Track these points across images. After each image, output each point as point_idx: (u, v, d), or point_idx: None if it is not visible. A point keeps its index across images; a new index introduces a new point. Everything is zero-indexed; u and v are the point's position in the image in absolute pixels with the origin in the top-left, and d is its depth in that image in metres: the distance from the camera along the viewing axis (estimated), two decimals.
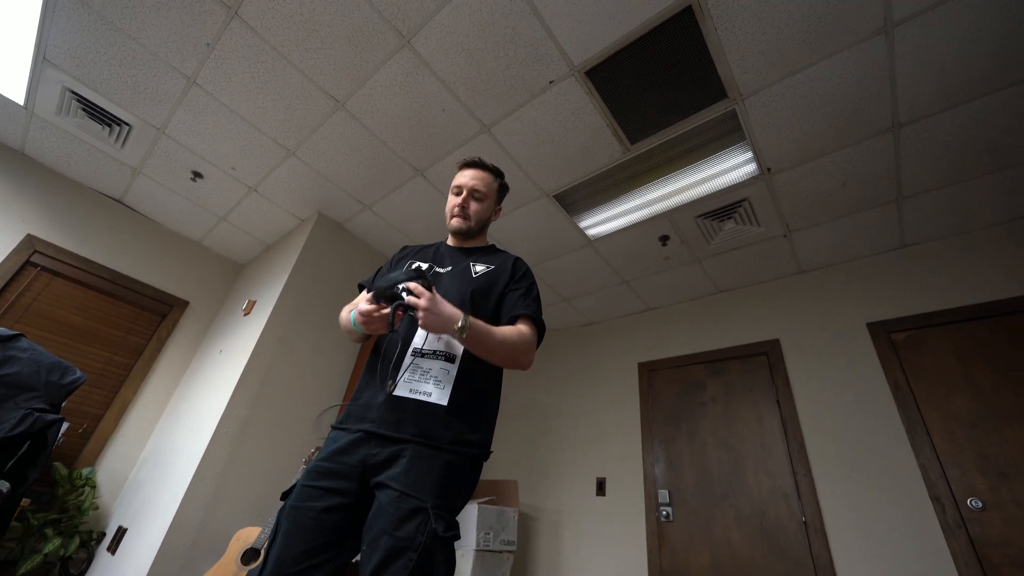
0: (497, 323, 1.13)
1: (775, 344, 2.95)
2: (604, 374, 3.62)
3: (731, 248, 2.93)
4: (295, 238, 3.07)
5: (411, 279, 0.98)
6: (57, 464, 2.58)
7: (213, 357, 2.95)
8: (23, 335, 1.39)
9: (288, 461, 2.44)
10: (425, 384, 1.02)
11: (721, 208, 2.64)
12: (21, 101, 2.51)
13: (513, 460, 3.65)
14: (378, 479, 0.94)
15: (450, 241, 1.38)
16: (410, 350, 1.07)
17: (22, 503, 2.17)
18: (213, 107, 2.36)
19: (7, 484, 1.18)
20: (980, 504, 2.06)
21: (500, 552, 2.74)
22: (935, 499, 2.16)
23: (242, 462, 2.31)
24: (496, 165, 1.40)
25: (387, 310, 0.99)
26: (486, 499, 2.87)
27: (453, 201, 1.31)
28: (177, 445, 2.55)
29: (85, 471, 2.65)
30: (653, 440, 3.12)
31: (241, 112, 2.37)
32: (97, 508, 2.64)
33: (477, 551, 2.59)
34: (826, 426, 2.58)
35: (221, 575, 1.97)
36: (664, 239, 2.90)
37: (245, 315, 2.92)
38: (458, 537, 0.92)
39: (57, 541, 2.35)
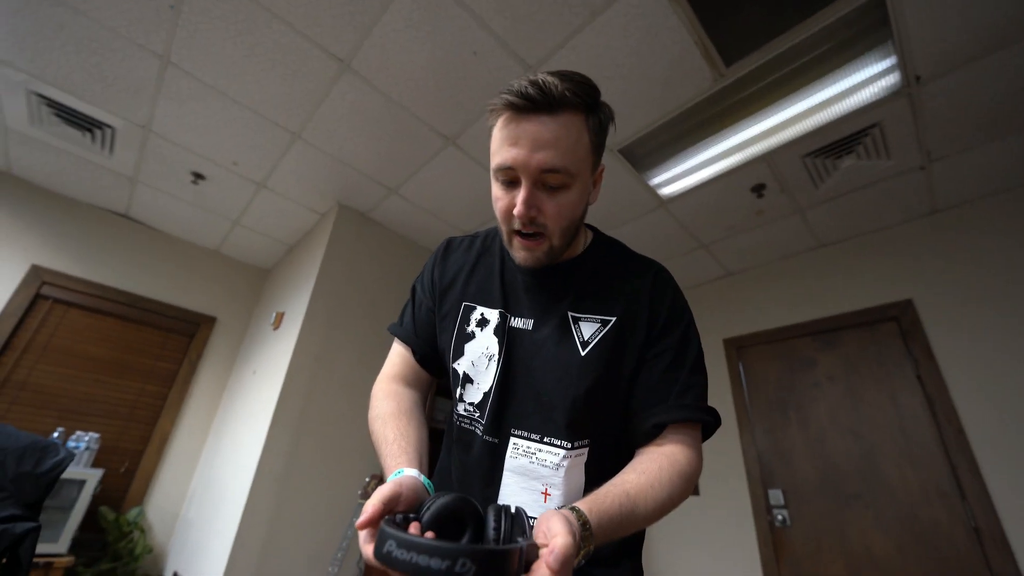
0: (627, 426, 0.68)
1: (907, 306, 2.36)
2: None
3: (846, 191, 2.32)
4: (317, 236, 2.69)
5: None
6: (103, 509, 2.40)
7: (248, 378, 2.67)
8: None
9: (343, 497, 2.14)
10: None
11: (840, 141, 2.03)
12: None
13: None
14: None
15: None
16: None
17: (69, 560, 1.98)
18: (197, 90, 1.94)
19: None
20: None
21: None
22: None
23: (292, 504, 2.02)
24: (582, 76, 0.64)
25: None
26: None
27: (503, 201, 0.64)
28: (222, 481, 2.30)
29: (133, 513, 2.47)
30: (753, 430, 2.64)
31: (230, 92, 1.94)
32: (151, 551, 2.47)
33: None
34: (993, 406, 2.02)
35: None
36: (759, 189, 2.32)
37: (275, 329, 2.60)
38: None
39: None
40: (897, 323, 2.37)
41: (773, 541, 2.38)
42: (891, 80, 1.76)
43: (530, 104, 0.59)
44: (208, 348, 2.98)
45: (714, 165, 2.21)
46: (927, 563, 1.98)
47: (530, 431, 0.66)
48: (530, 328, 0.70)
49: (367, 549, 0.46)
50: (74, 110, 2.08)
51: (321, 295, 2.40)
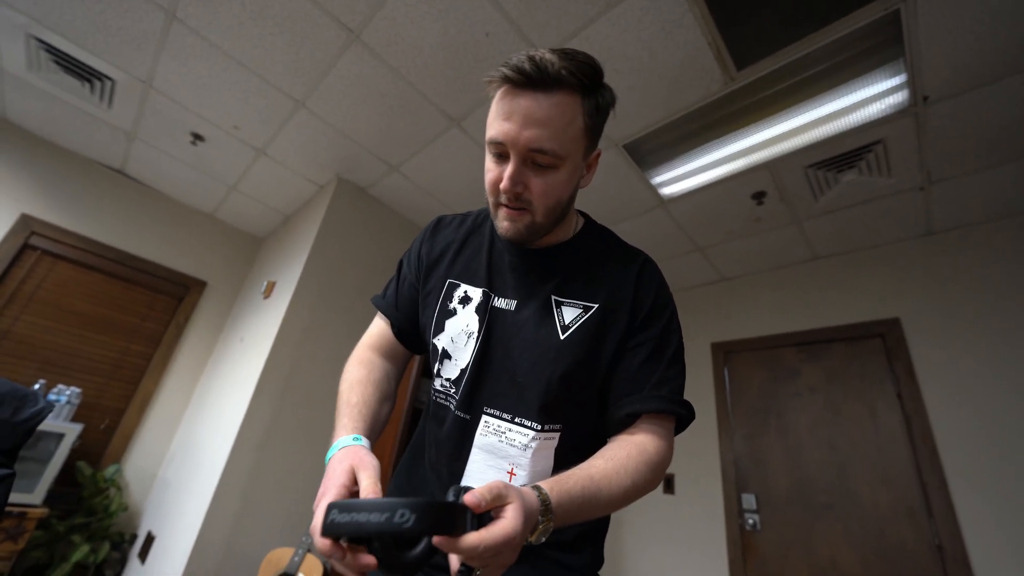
0: (602, 414, 0.68)
1: (894, 324, 2.39)
2: None
3: (844, 205, 2.33)
4: (314, 207, 2.67)
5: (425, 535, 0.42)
6: (81, 464, 2.39)
7: (235, 345, 2.66)
8: None
9: (319, 473, 2.14)
10: None
11: (843, 155, 2.04)
12: None
13: None
14: None
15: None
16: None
17: (43, 511, 1.98)
18: (202, 49, 1.91)
19: None
20: None
21: None
22: None
23: (268, 474, 2.03)
24: (585, 56, 0.62)
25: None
26: None
27: (494, 172, 0.64)
28: (202, 445, 2.30)
29: (110, 470, 2.46)
30: (733, 434, 2.68)
31: (236, 54, 1.91)
32: (127, 508, 2.47)
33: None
34: (967, 429, 2.07)
35: None
36: (759, 196, 2.32)
37: (265, 298, 2.58)
38: None
39: (85, 548, 2.18)
40: (883, 340, 2.40)
41: (742, 543, 2.43)
42: (899, 98, 1.76)
43: (525, 80, 0.58)
44: (196, 312, 2.96)
45: (717, 169, 2.20)
46: None
47: (502, 410, 0.67)
48: (512, 308, 0.71)
49: (317, 540, 0.45)
50: (74, 58, 2.04)
51: (314, 267, 2.38)
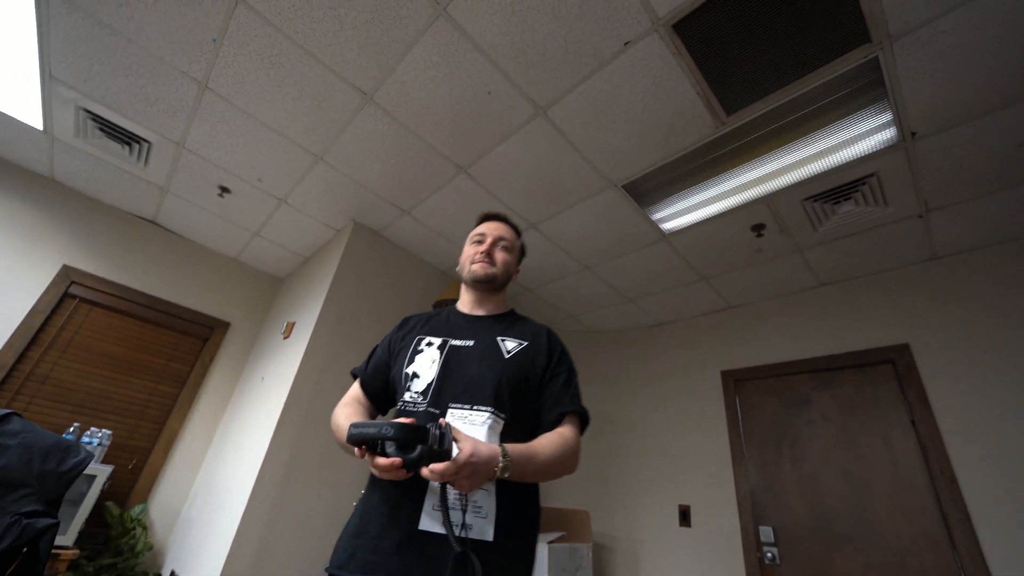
0: (536, 418, 0.99)
1: (904, 350, 2.38)
2: (679, 383, 3.17)
3: (845, 235, 2.37)
4: (331, 250, 2.80)
5: (413, 442, 0.74)
6: (109, 504, 2.48)
7: (256, 384, 2.76)
8: (16, 414, 1.16)
9: (338, 511, 2.20)
10: (459, 514, 0.82)
11: (838, 187, 2.10)
12: (40, 126, 2.34)
13: (581, 482, 3.29)
14: None
15: (463, 305, 1.17)
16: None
17: (74, 553, 2.06)
18: (230, 113, 2.09)
19: None
20: None
21: None
22: None
23: (289, 511, 2.08)
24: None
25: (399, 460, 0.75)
26: (556, 536, 2.54)
27: (474, 249, 1.15)
28: (224, 483, 2.37)
29: (136, 510, 2.54)
30: (747, 464, 2.66)
31: (260, 116, 2.08)
32: (151, 548, 2.54)
33: None
34: (986, 456, 2.04)
35: None
36: (759, 228, 2.38)
37: (285, 338, 2.70)
38: None
39: None
40: (893, 366, 2.40)
41: None
42: (888, 134, 1.84)
43: (497, 216, 1.24)
44: (220, 352, 3.09)
45: (715, 204, 2.28)
46: None
47: (463, 402, 0.92)
48: (470, 345, 1.02)
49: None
50: (116, 125, 2.24)
51: (331, 307, 2.50)
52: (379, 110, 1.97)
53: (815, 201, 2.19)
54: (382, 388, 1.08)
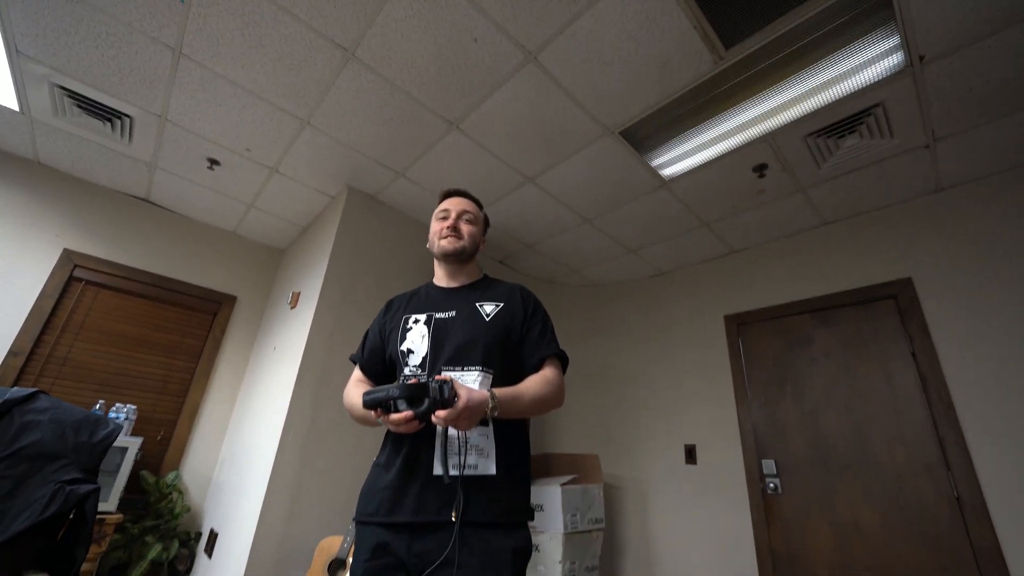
0: (521, 369, 1.10)
1: (906, 284, 2.39)
2: (683, 330, 3.22)
3: (849, 170, 2.32)
4: (329, 218, 2.78)
5: (417, 397, 0.87)
6: (144, 472, 2.62)
7: (269, 354, 2.83)
8: (42, 392, 1.21)
9: (359, 466, 2.31)
10: (467, 456, 0.96)
11: (842, 121, 2.03)
12: (16, 107, 2.27)
13: (589, 431, 3.42)
14: None
15: (439, 280, 1.25)
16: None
17: (118, 517, 2.20)
18: (209, 80, 2.01)
19: None
20: None
21: (589, 531, 2.58)
22: None
23: (313, 470, 2.20)
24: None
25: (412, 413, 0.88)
26: (568, 478, 2.67)
27: (439, 225, 1.22)
28: (249, 448, 2.49)
29: (170, 477, 2.69)
30: (750, 404, 2.74)
31: (240, 81, 2.01)
32: (189, 510, 2.71)
33: (566, 534, 2.44)
34: (982, 383, 2.08)
35: None
36: (760, 169, 2.33)
37: (292, 308, 2.73)
38: None
39: (158, 547, 2.42)
40: (896, 301, 2.41)
41: (765, 507, 2.51)
42: (894, 60, 1.75)
43: (458, 192, 1.29)
44: (230, 325, 3.14)
45: (716, 146, 2.22)
46: (910, 534, 2.09)
47: (455, 365, 1.04)
48: (453, 315, 1.11)
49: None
50: (94, 101, 2.17)
51: (334, 275, 2.51)
52: (362, 66, 1.89)
53: (818, 137, 2.12)
54: (381, 368, 1.19)
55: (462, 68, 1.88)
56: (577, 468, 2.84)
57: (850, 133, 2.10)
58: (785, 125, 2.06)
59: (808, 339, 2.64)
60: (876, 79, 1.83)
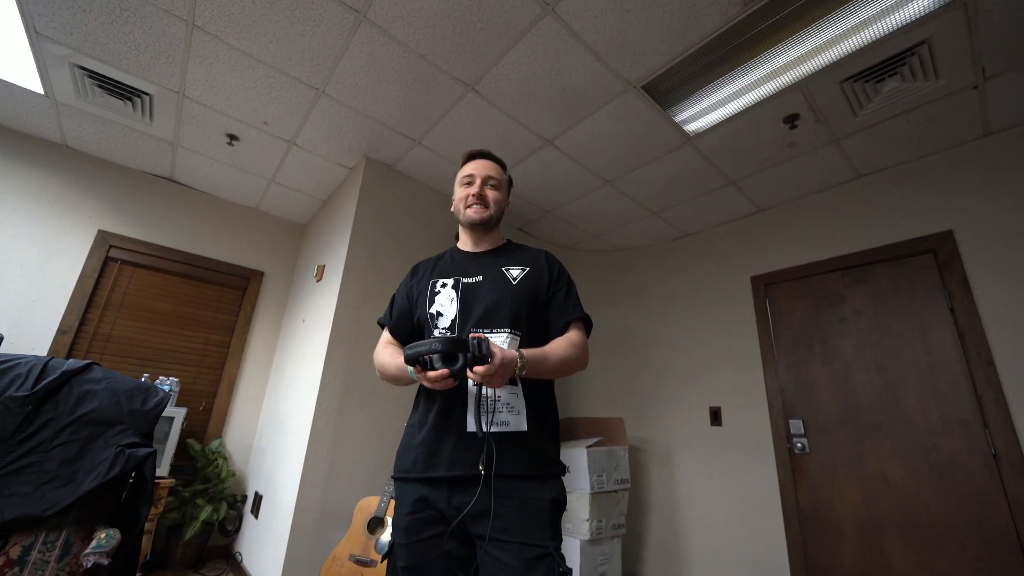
0: (547, 331, 1.12)
1: (947, 237, 2.28)
2: (708, 293, 3.17)
3: (887, 117, 2.19)
4: (348, 190, 2.79)
5: (452, 354, 0.88)
6: (190, 441, 2.78)
7: (298, 326, 2.91)
8: (95, 363, 1.28)
9: (391, 429, 2.40)
10: (498, 414, 0.99)
11: (882, 62, 1.90)
12: (41, 90, 2.31)
13: (613, 395, 3.45)
14: (480, 531, 0.92)
15: (464, 244, 1.26)
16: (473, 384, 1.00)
17: (171, 481, 2.35)
18: (223, 52, 2.00)
19: (116, 533, 1.13)
20: None
21: (615, 491, 2.65)
22: None
23: (349, 434, 2.29)
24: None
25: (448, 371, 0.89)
26: (593, 441, 2.73)
27: (465, 191, 1.21)
28: (286, 416, 2.61)
29: (214, 444, 2.85)
30: (777, 365, 2.71)
31: (254, 52, 1.99)
32: (234, 475, 2.87)
33: (592, 494, 2.50)
34: None
35: (353, 544, 2.02)
36: (792, 120, 2.22)
37: (317, 281, 2.79)
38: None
39: (209, 508, 2.58)
40: (934, 255, 2.31)
41: (792, 466, 2.52)
42: None
43: (482, 154, 1.27)
44: (260, 300, 3.24)
45: (744, 96, 2.12)
46: (941, 490, 2.08)
47: (484, 327, 1.05)
48: (480, 280, 1.13)
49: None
50: (113, 80, 2.18)
51: (357, 247, 2.54)
52: (375, 29, 1.84)
53: (855, 81, 2.00)
54: (409, 332, 1.20)
55: (477, 25, 1.81)
56: (602, 431, 2.89)
57: (890, 76, 1.96)
58: (820, 70, 1.94)
59: (839, 297, 2.57)
60: (923, 12, 1.69)
